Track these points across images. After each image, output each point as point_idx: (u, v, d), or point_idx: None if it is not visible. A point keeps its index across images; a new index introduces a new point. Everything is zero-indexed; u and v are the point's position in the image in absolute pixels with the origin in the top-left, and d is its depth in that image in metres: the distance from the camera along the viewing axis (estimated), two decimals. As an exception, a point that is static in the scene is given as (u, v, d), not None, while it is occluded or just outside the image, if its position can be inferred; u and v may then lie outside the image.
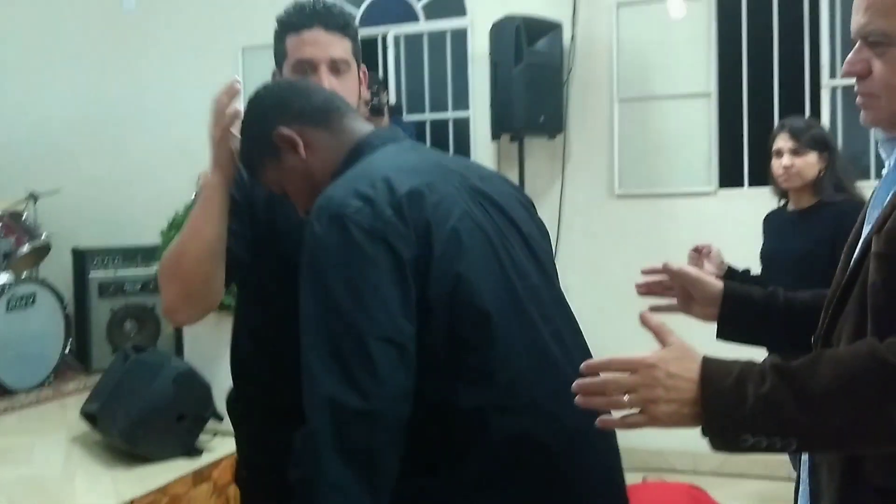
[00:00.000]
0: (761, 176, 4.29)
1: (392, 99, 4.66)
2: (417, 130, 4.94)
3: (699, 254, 2.56)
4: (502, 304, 1.22)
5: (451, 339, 1.18)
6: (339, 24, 1.58)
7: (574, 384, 1.07)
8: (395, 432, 1.13)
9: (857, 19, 1.16)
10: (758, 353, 1.22)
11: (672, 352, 1.09)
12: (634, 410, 1.07)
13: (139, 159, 5.40)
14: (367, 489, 1.11)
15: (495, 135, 4.44)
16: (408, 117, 4.91)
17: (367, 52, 5.03)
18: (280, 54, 1.60)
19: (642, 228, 4.26)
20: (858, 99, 1.21)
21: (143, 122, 5.38)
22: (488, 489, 1.19)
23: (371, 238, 1.15)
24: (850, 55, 1.19)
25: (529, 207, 1.44)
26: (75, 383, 4.56)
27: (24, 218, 4.70)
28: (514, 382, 1.19)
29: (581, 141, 4.49)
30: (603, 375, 1.08)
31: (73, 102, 5.44)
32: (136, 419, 3.07)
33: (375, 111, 4.08)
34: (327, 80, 1.55)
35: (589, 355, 1.32)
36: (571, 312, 1.38)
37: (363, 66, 1.66)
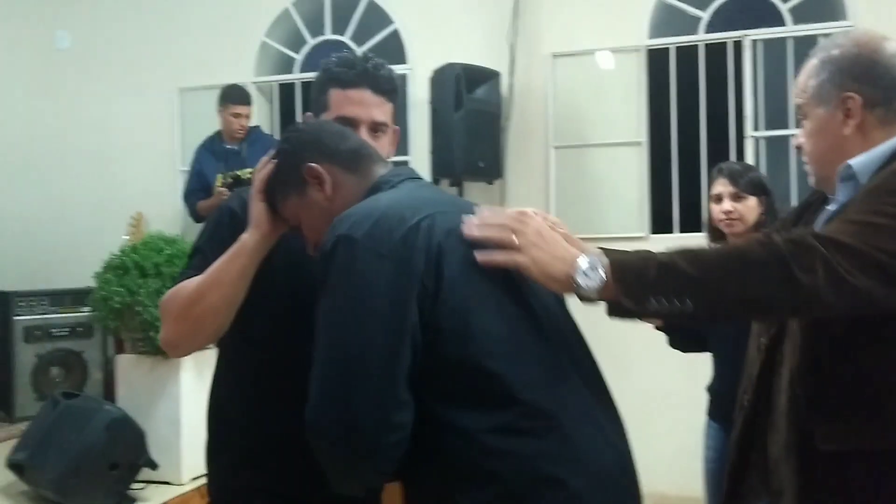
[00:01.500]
0: (691, 222, 4.47)
1: None
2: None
3: None
4: (516, 331, 1.22)
5: (462, 363, 1.18)
6: (387, 88, 1.61)
7: (469, 219, 1.24)
8: (383, 462, 1.17)
9: (795, 101, 1.48)
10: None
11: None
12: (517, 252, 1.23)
13: (70, 199, 5.28)
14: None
15: (435, 179, 4.49)
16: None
17: (309, 98, 5.06)
18: (321, 105, 1.60)
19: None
20: (806, 167, 1.49)
21: (76, 161, 5.28)
22: None
23: (377, 263, 1.18)
24: (798, 132, 1.49)
25: None
26: (-3, 432, 4.36)
27: (-55, 259, 4.53)
28: (531, 406, 1.18)
29: (519, 186, 4.59)
30: (500, 221, 1.25)
31: (2, 140, 5.30)
32: (68, 468, 2.95)
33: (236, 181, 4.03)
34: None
35: (607, 391, 1.34)
36: (585, 341, 1.38)
37: (396, 127, 1.69)
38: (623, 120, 4.50)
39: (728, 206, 2.70)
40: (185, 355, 1.69)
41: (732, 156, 4.34)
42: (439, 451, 1.19)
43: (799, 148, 1.48)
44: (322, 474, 1.43)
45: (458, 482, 1.18)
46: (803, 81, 1.44)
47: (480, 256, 1.21)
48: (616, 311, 1.23)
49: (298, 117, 4.95)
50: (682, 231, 4.39)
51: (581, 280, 1.21)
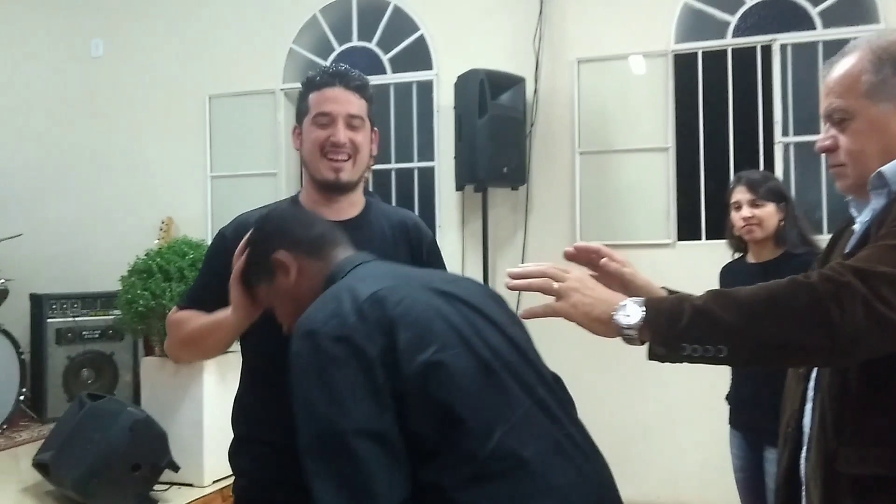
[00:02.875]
0: (718, 229, 4.41)
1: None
2: (382, 181, 4.99)
3: None
4: (474, 380, 1.26)
5: (428, 421, 1.22)
6: (357, 85, 1.78)
7: (510, 271, 1.29)
8: None
9: (823, 105, 1.39)
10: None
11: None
12: (557, 300, 1.27)
13: (101, 205, 5.38)
14: None
15: (459, 185, 4.50)
16: (374, 167, 4.96)
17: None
18: (302, 110, 1.79)
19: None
20: (831, 170, 1.42)
21: (107, 168, 5.37)
22: None
23: (338, 344, 1.23)
24: (820, 136, 1.41)
25: (499, 301, 1.50)
26: (28, 432, 4.44)
27: (-19, 263, 4.63)
28: (499, 449, 1.22)
29: (544, 192, 4.57)
30: (541, 269, 1.30)
31: (36, 146, 5.42)
32: (90, 468, 2.99)
33: None
34: (343, 133, 1.72)
35: (576, 417, 1.39)
36: (555, 384, 1.41)
37: (375, 129, 1.84)
38: (649, 125, 4.46)
39: (747, 212, 2.78)
40: (186, 363, 1.89)
41: (761, 162, 4.28)
42: None
43: (827, 150, 1.39)
44: None
45: None
46: (853, 77, 1.35)
47: (522, 313, 1.28)
48: (653, 355, 1.22)
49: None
50: (709, 238, 4.34)
51: (622, 320, 1.22)
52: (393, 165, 4.96)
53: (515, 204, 4.59)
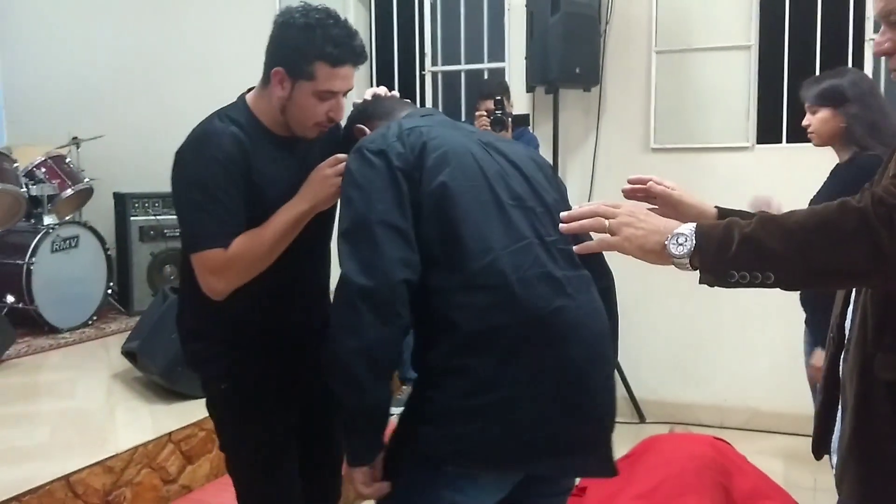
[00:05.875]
0: (800, 132, 4.24)
1: (514, 109, 4.10)
2: (451, 82, 4.93)
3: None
4: (482, 209, 1.53)
5: (436, 231, 1.50)
6: (362, 61, 1.84)
7: (563, 214, 1.34)
8: (393, 305, 1.45)
9: (878, 5, 1.32)
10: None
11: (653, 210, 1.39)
12: (609, 236, 1.29)
13: (177, 106, 5.46)
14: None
15: (530, 87, 4.42)
16: (443, 68, 4.90)
17: (404, 3, 5.03)
18: (306, 74, 1.76)
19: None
20: (892, 74, 1.36)
21: (182, 70, 5.44)
22: (471, 354, 1.48)
23: (376, 156, 1.54)
24: (877, 37, 1.34)
25: (544, 167, 1.74)
26: (117, 324, 4.71)
27: (67, 162, 4.81)
28: (488, 266, 1.48)
29: (617, 93, 4.45)
30: (591, 209, 1.32)
31: (114, 49, 5.51)
32: (175, 358, 3.16)
33: (498, 123, 3.73)
34: (342, 112, 1.86)
35: (579, 265, 1.59)
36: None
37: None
38: (731, 22, 4.26)
39: (805, 121, 2.76)
40: None
41: (850, 60, 4.06)
42: (420, 309, 1.49)
43: (885, 54, 1.33)
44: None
45: (430, 335, 1.52)
46: None
47: (578, 248, 1.34)
48: (705, 279, 1.24)
49: (394, 23, 4.94)
50: (790, 141, 4.18)
51: (673, 248, 1.22)
52: (463, 66, 4.89)
53: (588, 106, 4.49)
